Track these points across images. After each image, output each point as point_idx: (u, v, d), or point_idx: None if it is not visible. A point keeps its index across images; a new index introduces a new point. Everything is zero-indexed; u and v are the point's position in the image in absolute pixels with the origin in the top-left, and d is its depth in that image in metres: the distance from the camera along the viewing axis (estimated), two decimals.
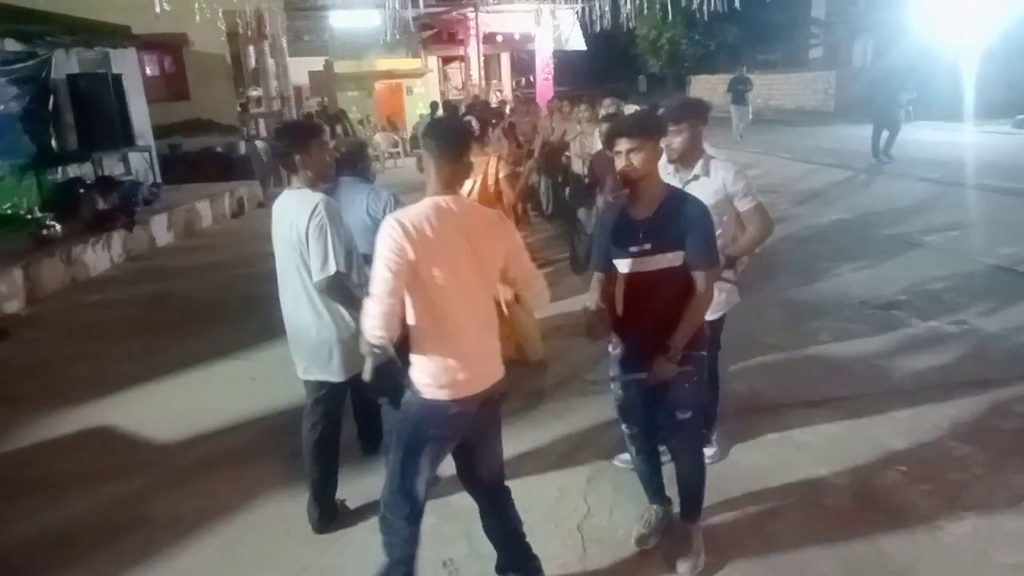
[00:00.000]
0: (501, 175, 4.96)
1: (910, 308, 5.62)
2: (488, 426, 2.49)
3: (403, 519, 2.43)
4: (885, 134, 12.62)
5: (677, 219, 2.59)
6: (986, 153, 12.60)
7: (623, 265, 2.69)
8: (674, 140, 3.01)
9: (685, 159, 3.10)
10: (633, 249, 2.63)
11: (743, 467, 3.54)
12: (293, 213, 2.90)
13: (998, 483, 3.32)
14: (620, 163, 2.60)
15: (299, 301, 2.99)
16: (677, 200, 2.65)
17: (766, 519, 3.13)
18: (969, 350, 4.82)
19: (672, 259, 2.60)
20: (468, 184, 4.90)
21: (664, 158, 2.85)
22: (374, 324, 2.18)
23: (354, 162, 3.71)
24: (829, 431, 3.84)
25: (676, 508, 3.02)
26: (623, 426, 2.97)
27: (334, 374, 3.03)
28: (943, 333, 5.13)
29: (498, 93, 20.97)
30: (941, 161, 12.08)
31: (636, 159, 2.56)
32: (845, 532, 3.01)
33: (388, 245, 2.17)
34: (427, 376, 2.29)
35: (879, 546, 2.92)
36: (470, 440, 2.48)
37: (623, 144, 2.56)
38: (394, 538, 2.46)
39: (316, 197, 2.90)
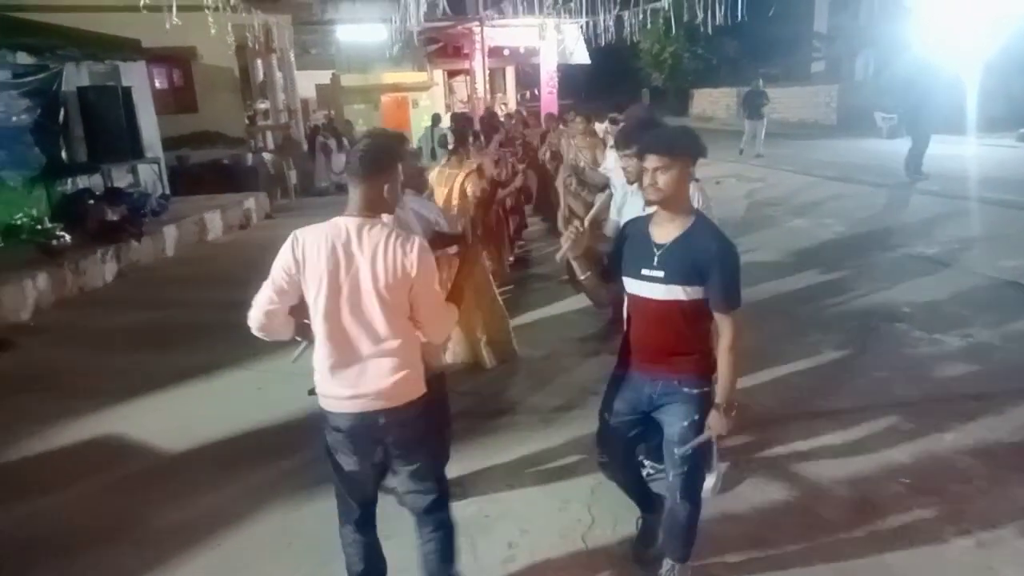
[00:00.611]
0: (468, 189, 4.95)
1: (913, 321, 5.64)
2: (399, 455, 2.40)
3: (349, 524, 2.50)
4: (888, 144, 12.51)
5: (700, 253, 2.38)
6: (988, 166, 12.62)
7: (631, 285, 2.54)
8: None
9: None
10: (645, 272, 2.46)
11: (745, 479, 3.56)
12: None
13: (1001, 497, 3.33)
14: (646, 180, 2.42)
15: None
16: (704, 232, 2.43)
17: (767, 530, 3.14)
18: (972, 363, 4.84)
19: (685, 293, 2.40)
20: (442, 192, 5.01)
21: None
22: (252, 318, 2.33)
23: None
24: (831, 443, 3.85)
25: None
26: (597, 452, 2.88)
27: None
28: (946, 346, 5.15)
29: (503, 106, 21.07)
30: (943, 174, 12.11)
31: (662, 179, 2.36)
32: (847, 544, 3.03)
33: (282, 256, 2.27)
34: (316, 380, 2.37)
35: (882, 559, 2.94)
36: (383, 462, 2.42)
37: (651, 161, 2.38)
38: (347, 548, 2.54)
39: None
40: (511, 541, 3.14)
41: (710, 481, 3.25)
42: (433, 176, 5.13)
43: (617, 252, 2.61)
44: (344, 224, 2.25)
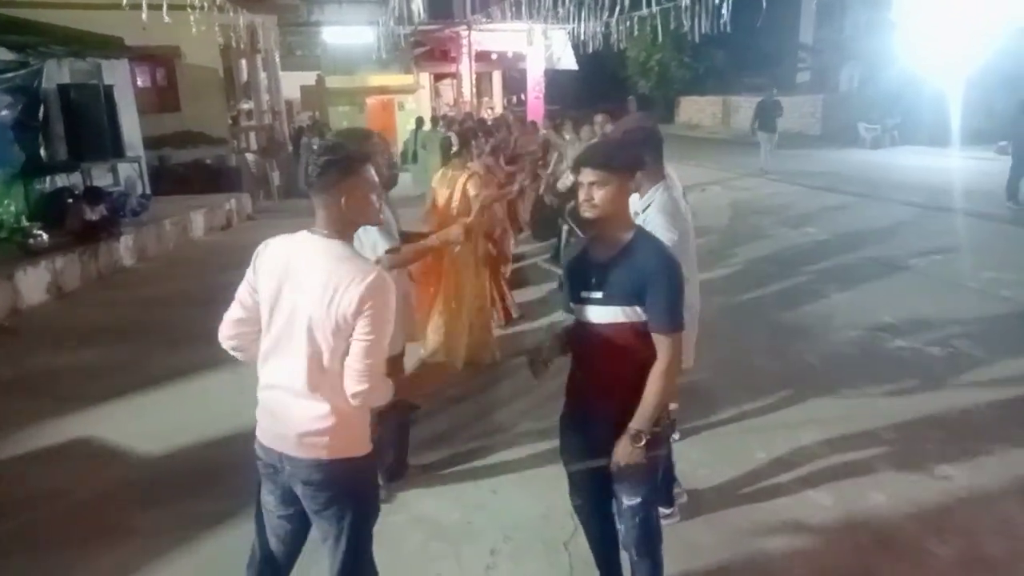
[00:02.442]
0: (471, 191, 4.93)
1: (895, 331, 5.67)
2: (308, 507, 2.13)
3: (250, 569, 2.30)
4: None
5: (636, 269, 2.18)
6: (969, 179, 12.80)
7: (575, 311, 2.35)
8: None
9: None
10: (583, 295, 2.27)
11: (729, 486, 3.56)
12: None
13: (983, 507, 3.35)
14: (581, 196, 2.24)
15: None
16: (644, 246, 2.24)
17: (751, 538, 3.14)
18: (955, 374, 4.87)
19: (625, 315, 2.20)
20: (444, 195, 5.03)
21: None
22: (221, 331, 2.17)
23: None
24: (815, 452, 3.86)
25: None
26: (570, 492, 2.60)
27: None
28: (929, 356, 5.19)
29: (490, 111, 21.08)
30: (925, 186, 12.26)
31: (598, 194, 2.19)
32: (832, 554, 3.04)
33: (249, 266, 2.11)
34: None
35: (867, 567, 2.94)
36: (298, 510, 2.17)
37: (586, 175, 2.21)
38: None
39: None
40: (494, 548, 3.11)
41: (665, 511, 3.09)
42: (436, 179, 5.23)
43: (565, 280, 2.45)
44: (303, 239, 2.03)
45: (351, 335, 1.95)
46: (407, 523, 3.32)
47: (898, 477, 3.61)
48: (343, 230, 2.03)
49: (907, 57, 19.27)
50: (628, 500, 2.33)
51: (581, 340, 2.35)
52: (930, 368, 4.98)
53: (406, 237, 3.40)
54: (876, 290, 6.83)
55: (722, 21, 9.81)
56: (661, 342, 2.20)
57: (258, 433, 2.15)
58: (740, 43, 25.81)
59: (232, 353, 2.21)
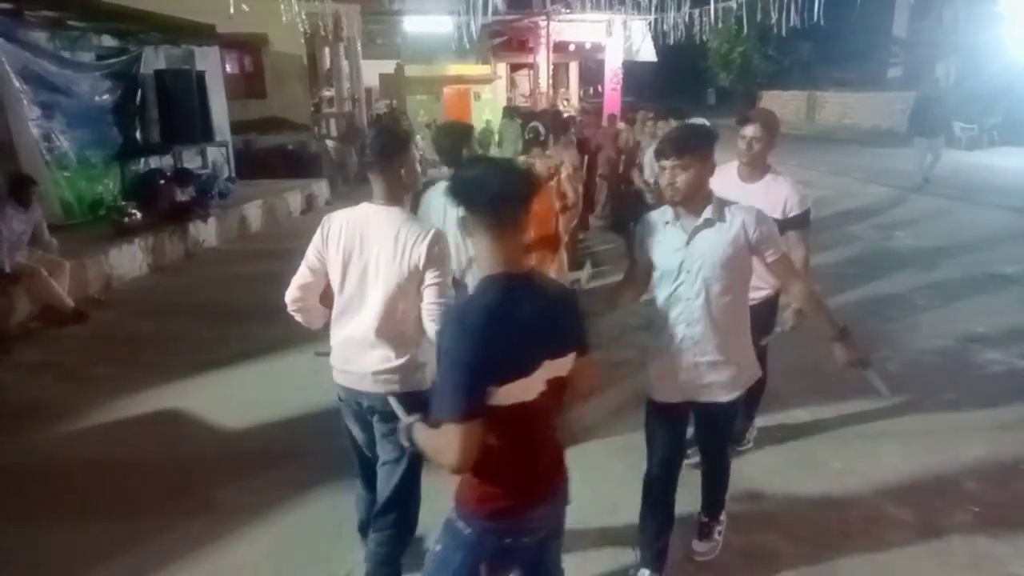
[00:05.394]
0: (563, 175, 5.03)
1: (987, 342, 5.37)
2: (381, 434, 2.53)
3: (356, 479, 2.82)
4: None
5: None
6: None
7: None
8: (676, 177, 2.40)
9: (689, 202, 2.45)
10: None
11: (803, 495, 3.45)
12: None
13: None
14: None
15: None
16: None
17: (824, 550, 3.04)
18: None
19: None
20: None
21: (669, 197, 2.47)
22: (288, 293, 2.52)
23: None
24: (895, 465, 3.70)
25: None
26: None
27: None
28: (1020, 370, 4.89)
29: (566, 102, 20.96)
30: None
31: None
32: (908, 570, 2.91)
33: (315, 236, 2.46)
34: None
35: None
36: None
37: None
38: (357, 500, 2.92)
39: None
40: None
41: None
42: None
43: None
44: (366, 210, 2.40)
45: (421, 282, 2.32)
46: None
47: (984, 494, 3.42)
48: (399, 198, 2.42)
49: (1013, 52, 18.12)
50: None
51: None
52: (1022, 383, 4.70)
53: None
54: (968, 299, 6.47)
55: (814, 12, 9.46)
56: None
57: (338, 379, 2.51)
58: (828, 36, 24.90)
59: (294, 314, 2.55)
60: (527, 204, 1.73)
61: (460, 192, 1.74)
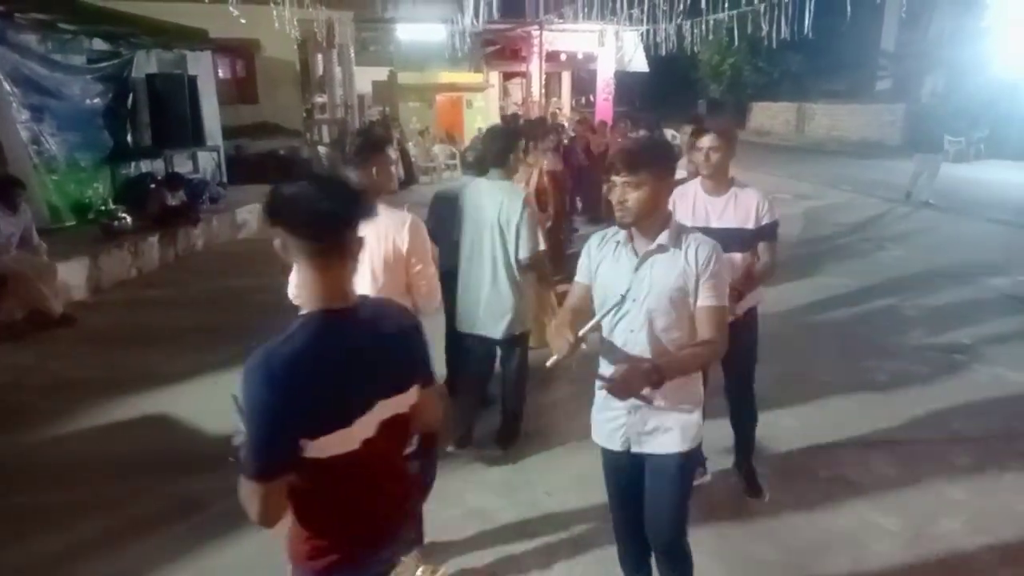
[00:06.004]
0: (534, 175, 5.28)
1: (973, 353, 5.42)
2: None
3: None
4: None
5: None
6: None
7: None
8: (628, 195, 2.13)
9: (642, 224, 2.17)
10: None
11: (791, 503, 3.46)
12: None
13: None
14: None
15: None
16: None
17: (810, 559, 3.05)
18: None
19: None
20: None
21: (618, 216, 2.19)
22: (290, 288, 2.55)
23: None
24: (883, 473, 3.72)
25: None
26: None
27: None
28: (1007, 381, 4.93)
29: (557, 111, 21.04)
30: (1013, 202, 11.66)
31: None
32: None
33: None
34: None
35: None
36: None
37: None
38: None
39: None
40: (550, 547, 3.11)
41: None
42: None
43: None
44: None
45: (405, 266, 2.60)
46: (462, 516, 3.35)
47: (971, 504, 3.44)
48: (371, 196, 2.38)
49: (999, 66, 18.35)
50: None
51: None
52: (1009, 394, 4.74)
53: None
54: (954, 309, 6.53)
55: (804, 25, 9.55)
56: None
57: None
58: (818, 48, 25.10)
59: (294, 299, 2.49)
60: (354, 226, 1.51)
61: (277, 210, 1.49)
